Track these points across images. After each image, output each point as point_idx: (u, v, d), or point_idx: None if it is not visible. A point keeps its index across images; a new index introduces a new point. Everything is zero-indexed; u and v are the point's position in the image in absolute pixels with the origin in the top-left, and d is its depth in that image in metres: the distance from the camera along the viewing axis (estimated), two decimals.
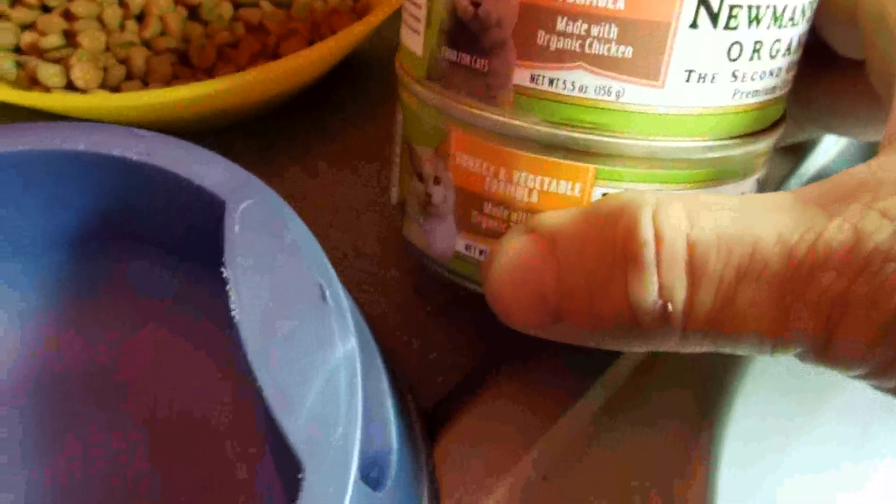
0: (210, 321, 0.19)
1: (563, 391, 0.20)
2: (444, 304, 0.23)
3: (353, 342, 0.13)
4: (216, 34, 0.28)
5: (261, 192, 0.16)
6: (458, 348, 0.22)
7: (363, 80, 0.31)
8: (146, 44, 0.28)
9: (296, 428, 0.12)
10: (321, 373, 0.13)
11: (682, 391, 0.21)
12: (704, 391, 0.21)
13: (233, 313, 0.13)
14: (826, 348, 0.13)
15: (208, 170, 0.16)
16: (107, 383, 0.19)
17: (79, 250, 0.19)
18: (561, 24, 0.15)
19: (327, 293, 0.14)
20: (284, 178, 0.27)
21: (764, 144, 0.18)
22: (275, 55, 0.28)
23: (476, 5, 0.16)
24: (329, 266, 0.15)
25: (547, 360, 0.20)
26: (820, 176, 0.25)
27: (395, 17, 0.24)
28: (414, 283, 0.23)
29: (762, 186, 0.19)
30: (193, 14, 0.29)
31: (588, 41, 0.15)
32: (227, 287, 0.14)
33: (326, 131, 0.29)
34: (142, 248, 0.19)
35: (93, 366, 0.19)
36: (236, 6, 0.30)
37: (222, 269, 0.14)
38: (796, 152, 0.26)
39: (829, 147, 0.26)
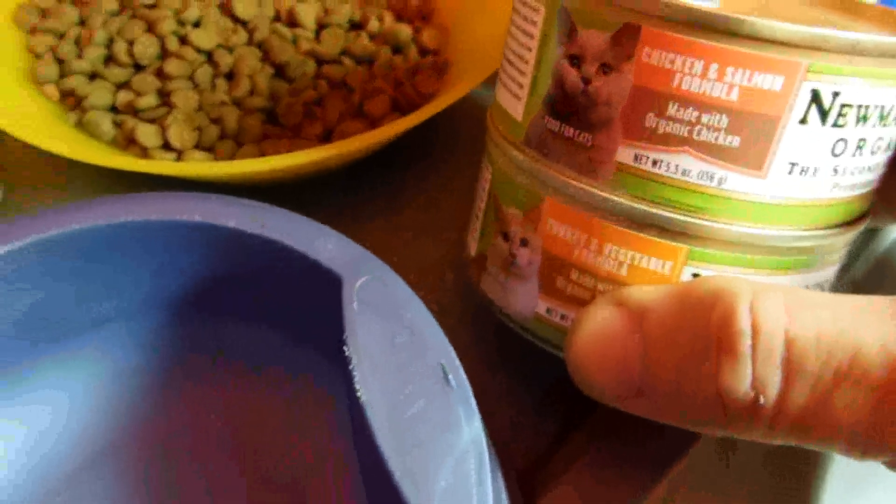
0: (313, 395, 0.19)
1: (655, 459, 0.20)
2: (527, 366, 0.23)
3: (478, 425, 0.13)
4: (302, 92, 0.29)
5: (376, 267, 0.16)
6: (542, 412, 0.21)
7: (449, 131, 0.31)
8: (236, 103, 0.28)
9: None
10: (450, 457, 0.13)
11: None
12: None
13: (358, 393, 0.14)
14: None
15: (323, 244, 0.17)
16: (206, 446, 0.19)
17: (185, 315, 0.20)
18: (672, 110, 0.16)
19: (450, 375, 0.14)
20: (364, 233, 0.27)
21: (852, 234, 0.18)
22: (359, 113, 0.28)
23: (587, 82, 0.16)
24: (449, 346, 0.15)
25: (640, 424, 0.20)
26: (885, 258, 0.26)
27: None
28: (497, 344, 0.23)
29: (841, 271, 0.20)
30: (279, 71, 0.30)
31: (697, 128, 0.16)
32: (350, 366, 0.14)
33: (406, 188, 0.29)
34: (245, 318, 0.20)
35: (192, 428, 0.20)
36: (319, 63, 0.30)
37: (344, 347, 0.14)
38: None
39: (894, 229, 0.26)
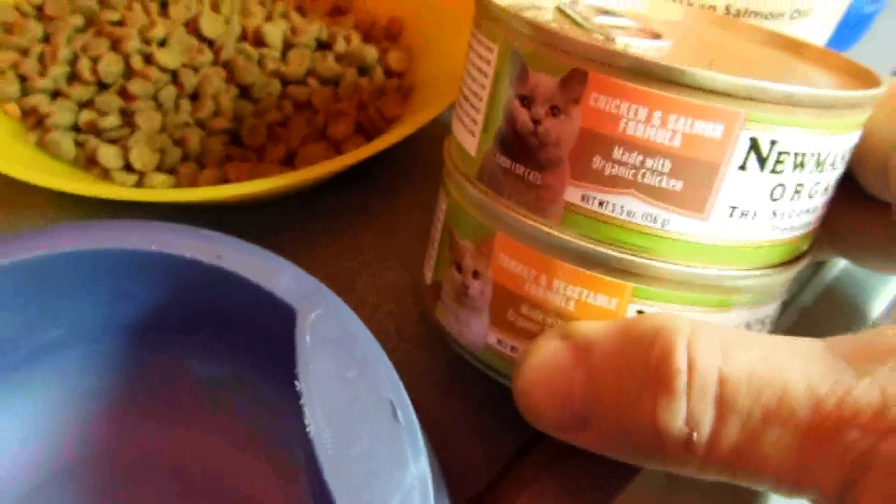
0: (258, 431, 0.20)
1: (602, 487, 0.20)
2: (481, 393, 0.23)
3: (424, 462, 0.14)
4: (266, 113, 0.29)
5: (330, 301, 0.17)
6: (494, 439, 0.22)
7: (414, 153, 0.32)
8: (200, 123, 0.28)
9: None
10: (397, 495, 0.13)
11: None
12: None
13: (307, 429, 0.14)
14: (841, 502, 0.14)
15: (279, 276, 0.17)
16: (154, 471, 0.19)
17: (141, 340, 0.20)
18: (617, 153, 0.16)
19: (399, 412, 0.15)
20: (326, 256, 0.27)
21: (794, 272, 0.19)
22: (323, 136, 0.28)
23: (536, 123, 0.17)
24: (399, 382, 0.15)
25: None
26: (833, 287, 0.26)
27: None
28: (452, 371, 0.23)
29: (784, 307, 0.20)
30: (244, 92, 0.30)
31: (641, 171, 0.16)
32: (301, 401, 0.14)
33: (368, 210, 0.29)
34: (200, 346, 0.20)
35: (143, 453, 0.20)
36: (285, 83, 0.30)
37: (295, 382, 0.14)
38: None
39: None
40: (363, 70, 0.32)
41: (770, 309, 0.19)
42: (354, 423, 0.14)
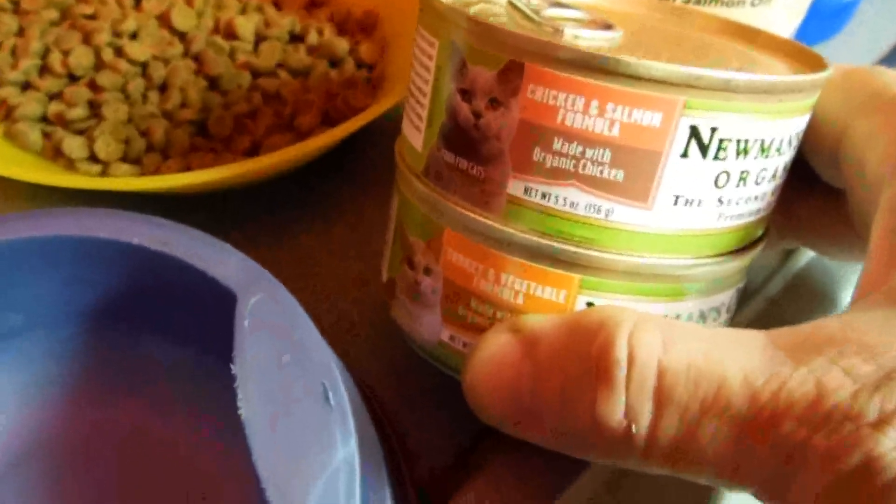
0: (213, 411, 0.20)
1: (557, 474, 0.20)
2: (436, 384, 0.23)
3: (353, 445, 0.14)
4: (234, 104, 0.29)
5: (271, 286, 0.17)
6: (454, 426, 0.22)
7: (377, 150, 0.32)
8: (167, 115, 0.28)
9: None
10: (322, 476, 0.13)
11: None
12: None
13: (240, 411, 0.14)
14: (780, 493, 0.14)
15: (222, 262, 0.17)
16: (115, 455, 0.20)
17: (100, 326, 0.20)
18: (557, 145, 0.16)
19: (330, 395, 0.15)
20: (294, 245, 0.27)
21: (746, 260, 0.18)
22: (290, 126, 0.28)
23: (477, 116, 0.17)
24: (333, 366, 0.15)
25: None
26: (801, 276, 0.26)
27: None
28: (409, 362, 0.24)
29: (741, 294, 0.20)
30: (213, 84, 0.30)
31: (582, 162, 0.16)
32: (235, 384, 0.14)
33: (338, 202, 0.29)
34: (156, 330, 0.20)
35: (104, 437, 0.20)
36: (256, 75, 0.30)
37: (231, 366, 0.15)
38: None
39: None
40: (334, 62, 0.32)
41: (725, 297, 0.19)
42: (286, 405, 0.14)
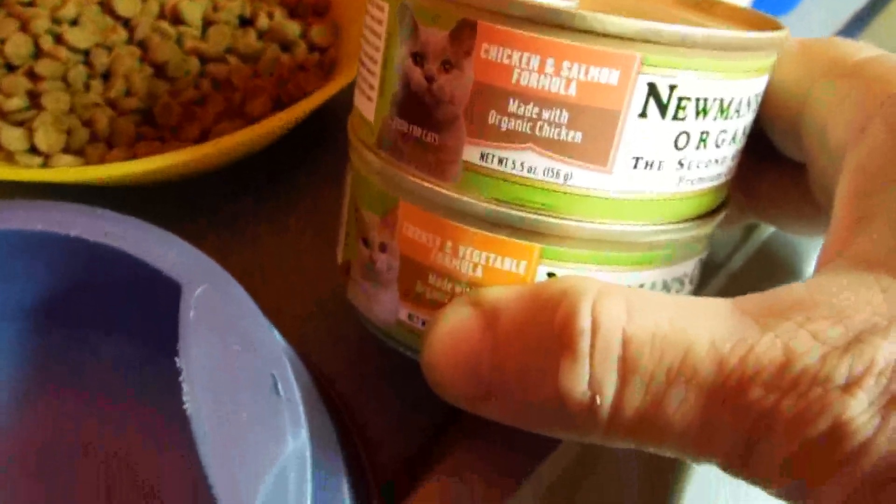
0: (162, 407, 0.19)
1: (517, 463, 0.20)
2: (399, 368, 0.22)
3: (303, 436, 0.13)
4: (182, 92, 0.28)
5: (217, 276, 0.16)
6: (412, 415, 0.21)
7: (330, 132, 0.31)
8: (111, 104, 0.27)
9: None
10: (272, 469, 0.13)
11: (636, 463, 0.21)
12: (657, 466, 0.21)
13: (185, 406, 0.13)
14: (745, 462, 0.13)
15: (166, 253, 0.16)
16: (64, 453, 0.19)
17: (44, 322, 0.19)
18: (513, 106, 0.15)
19: (279, 385, 0.14)
20: (248, 234, 0.27)
21: (708, 228, 0.18)
22: (240, 113, 0.27)
23: (430, 80, 0.16)
24: (283, 355, 0.15)
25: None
26: (764, 250, 0.26)
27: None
28: (370, 347, 0.23)
29: (704, 265, 0.20)
30: (159, 71, 0.28)
31: (539, 124, 0.15)
32: (181, 378, 0.14)
33: (294, 188, 0.29)
34: (101, 325, 0.19)
35: (52, 434, 0.19)
36: (204, 62, 0.29)
37: (176, 359, 0.14)
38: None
39: None
40: (286, 46, 0.31)
41: (688, 267, 0.18)
42: (234, 397, 0.14)
